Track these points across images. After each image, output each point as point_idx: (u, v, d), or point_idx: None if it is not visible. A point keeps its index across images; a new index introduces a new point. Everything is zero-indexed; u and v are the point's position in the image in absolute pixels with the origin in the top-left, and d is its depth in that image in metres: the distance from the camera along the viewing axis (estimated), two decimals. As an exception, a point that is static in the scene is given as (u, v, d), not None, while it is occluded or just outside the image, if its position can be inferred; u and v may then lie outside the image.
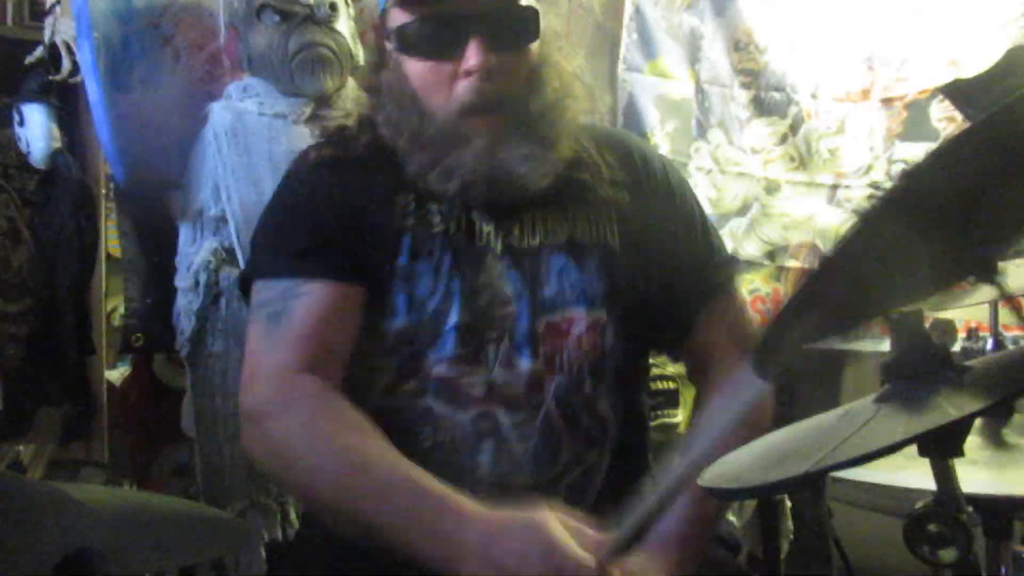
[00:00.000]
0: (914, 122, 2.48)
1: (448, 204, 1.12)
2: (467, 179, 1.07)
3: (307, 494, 1.07)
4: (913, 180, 0.64)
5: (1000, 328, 1.79)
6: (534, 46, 1.11)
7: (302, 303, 1.07)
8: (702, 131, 2.45)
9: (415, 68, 1.09)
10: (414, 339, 1.09)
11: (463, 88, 1.06)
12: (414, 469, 0.98)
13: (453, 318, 1.09)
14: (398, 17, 1.10)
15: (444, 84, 1.08)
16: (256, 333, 1.09)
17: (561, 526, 0.91)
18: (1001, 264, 0.78)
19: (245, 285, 1.18)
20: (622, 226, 1.16)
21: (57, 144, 1.82)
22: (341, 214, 1.12)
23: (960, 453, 0.72)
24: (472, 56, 1.04)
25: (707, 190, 2.43)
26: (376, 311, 1.10)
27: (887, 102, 2.51)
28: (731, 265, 1.27)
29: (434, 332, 1.09)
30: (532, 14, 1.10)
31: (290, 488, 1.14)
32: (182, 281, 1.71)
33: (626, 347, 1.15)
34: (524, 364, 1.10)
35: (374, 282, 1.10)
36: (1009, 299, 0.80)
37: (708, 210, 2.46)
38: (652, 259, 1.16)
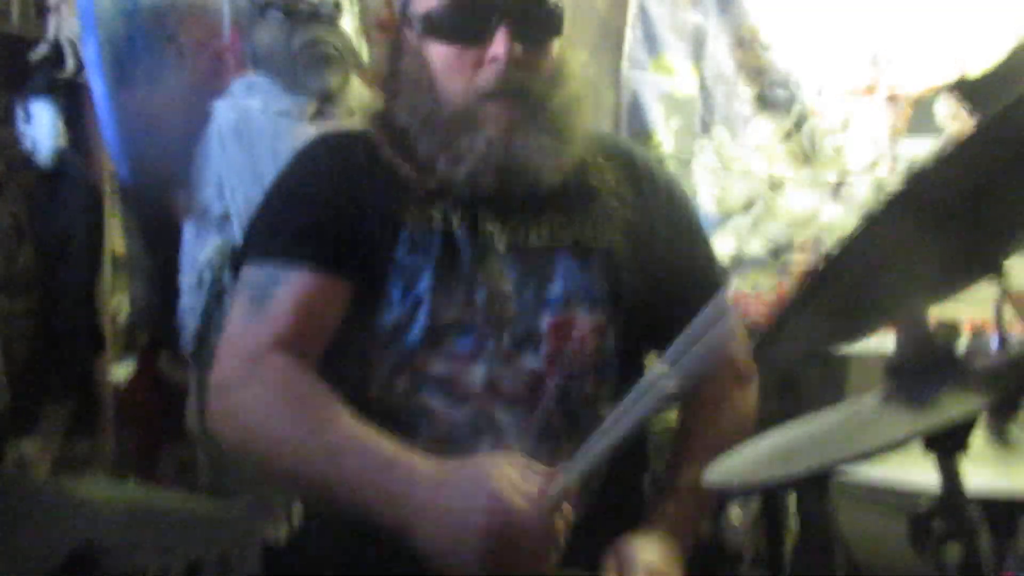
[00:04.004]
0: (920, 119, 2.48)
1: (452, 201, 1.12)
2: (477, 166, 1.07)
3: (266, 464, 1.09)
4: (920, 179, 0.64)
5: (1005, 326, 1.78)
6: (556, 43, 1.12)
7: (284, 291, 1.08)
8: (706, 128, 2.45)
9: (438, 52, 1.09)
10: (409, 334, 1.09)
11: (486, 75, 1.07)
12: (369, 433, 1.00)
13: (449, 315, 1.09)
14: (426, 2, 1.10)
15: (466, 70, 1.08)
16: (236, 313, 1.11)
17: (512, 473, 0.93)
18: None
19: (237, 263, 1.19)
20: (625, 234, 1.16)
21: (63, 142, 1.83)
22: (339, 204, 1.12)
23: (965, 451, 0.72)
24: (499, 44, 1.05)
25: (711, 188, 2.43)
26: (370, 304, 1.10)
27: (892, 99, 2.51)
28: (725, 277, 1.32)
29: (430, 328, 1.09)
30: (558, 11, 1.12)
31: (251, 459, 1.13)
32: (186, 279, 1.71)
33: (627, 350, 1.15)
34: (525, 362, 1.09)
35: (367, 275, 1.10)
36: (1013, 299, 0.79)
37: (712, 208, 2.47)
38: (655, 268, 1.17)
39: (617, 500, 1.14)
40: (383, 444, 1.00)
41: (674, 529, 1.07)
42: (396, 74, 1.15)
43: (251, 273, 1.12)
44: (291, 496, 1.71)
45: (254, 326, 1.08)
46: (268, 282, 1.09)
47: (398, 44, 1.16)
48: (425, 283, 1.09)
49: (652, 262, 1.17)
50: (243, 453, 1.11)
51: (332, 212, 1.11)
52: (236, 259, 1.21)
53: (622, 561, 1.02)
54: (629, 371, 1.17)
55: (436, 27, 1.09)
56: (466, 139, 1.07)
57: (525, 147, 1.08)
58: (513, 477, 0.93)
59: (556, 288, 1.12)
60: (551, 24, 1.11)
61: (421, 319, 1.08)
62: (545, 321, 1.10)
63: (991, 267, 0.76)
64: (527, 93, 1.08)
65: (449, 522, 0.92)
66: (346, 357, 1.10)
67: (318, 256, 1.09)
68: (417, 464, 0.97)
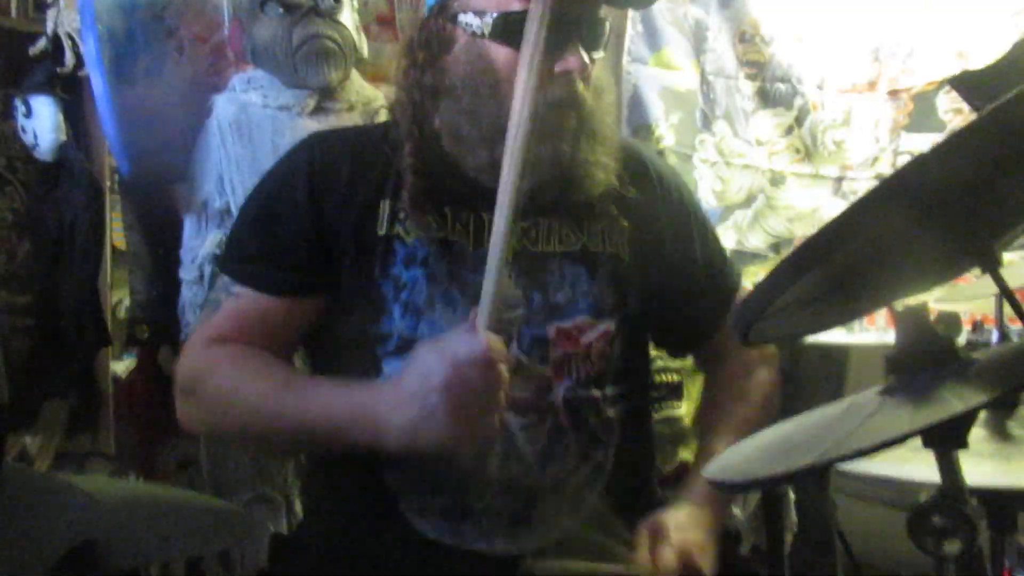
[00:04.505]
0: (921, 114, 2.47)
1: (456, 208, 1.11)
2: (544, 176, 1.06)
3: (241, 435, 1.19)
4: (919, 169, 0.64)
5: (1006, 320, 1.79)
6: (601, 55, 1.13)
7: (233, 304, 1.14)
8: (707, 123, 2.45)
9: (507, 57, 1.06)
10: (415, 344, 1.09)
11: (558, 86, 1.05)
12: (324, 379, 1.10)
13: (456, 324, 1.09)
14: (499, 2, 1.07)
15: None
16: (203, 316, 1.19)
17: (449, 338, 0.98)
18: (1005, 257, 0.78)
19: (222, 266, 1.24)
20: (633, 240, 1.17)
21: (63, 136, 1.83)
22: (312, 223, 1.11)
23: (964, 445, 0.72)
24: (574, 56, 1.05)
25: (712, 182, 2.43)
26: (369, 317, 1.10)
27: (893, 94, 2.50)
28: (735, 265, 1.33)
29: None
30: (607, 24, 1.12)
31: (226, 438, 1.32)
32: (187, 273, 1.72)
33: (633, 353, 1.16)
34: (534, 368, 1.10)
35: (346, 287, 1.11)
36: (1009, 296, 0.79)
37: (713, 202, 2.47)
38: (665, 272, 1.18)
39: (625, 494, 1.14)
40: (337, 381, 1.08)
41: (706, 501, 1.08)
42: (439, 71, 1.10)
43: (221, 282, 1.18)
44: (291, 491, 1.72)
45: (208, 328, 1.15)
46: (223, 293, 1.15)
47: (439, 38, 1.11)
48: (425, 296, 1.09)
49: (663, 269, 1.18)
50: (217, 435, 1.18)
51: (297, 232, 1.11)
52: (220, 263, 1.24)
53: (655, 534, 1.03)
54: (634, 372, 1.18)
55: (512, 32, 1.04)
56: (535, 150, 1.04)
57: (587, 157, 1.09)
58: (451, 340, 0.97)
59: (564, 294, 1.12)
60: (603, 37, 1.11)
61: (425, 330, 1.08)
62: (554, 327, 1.11)
63: (983, 258, 0.76)
64: (589, 106, 1.09)
65: (413, 395, 0.95)
66: (353, 367, 1.11)
67: (270, 278, 1.12)
68: (374, 382, 1.06)
